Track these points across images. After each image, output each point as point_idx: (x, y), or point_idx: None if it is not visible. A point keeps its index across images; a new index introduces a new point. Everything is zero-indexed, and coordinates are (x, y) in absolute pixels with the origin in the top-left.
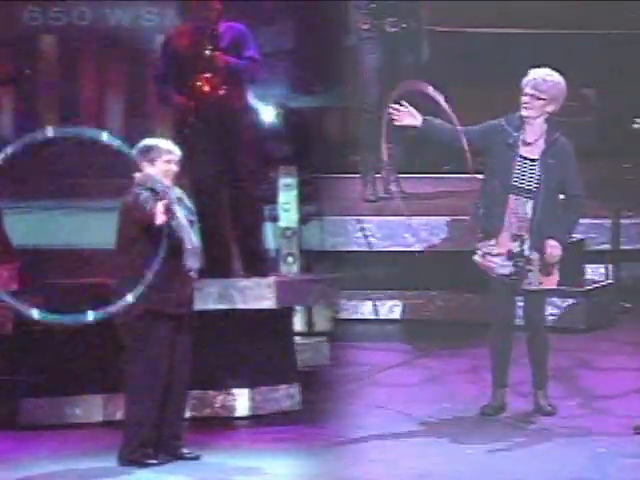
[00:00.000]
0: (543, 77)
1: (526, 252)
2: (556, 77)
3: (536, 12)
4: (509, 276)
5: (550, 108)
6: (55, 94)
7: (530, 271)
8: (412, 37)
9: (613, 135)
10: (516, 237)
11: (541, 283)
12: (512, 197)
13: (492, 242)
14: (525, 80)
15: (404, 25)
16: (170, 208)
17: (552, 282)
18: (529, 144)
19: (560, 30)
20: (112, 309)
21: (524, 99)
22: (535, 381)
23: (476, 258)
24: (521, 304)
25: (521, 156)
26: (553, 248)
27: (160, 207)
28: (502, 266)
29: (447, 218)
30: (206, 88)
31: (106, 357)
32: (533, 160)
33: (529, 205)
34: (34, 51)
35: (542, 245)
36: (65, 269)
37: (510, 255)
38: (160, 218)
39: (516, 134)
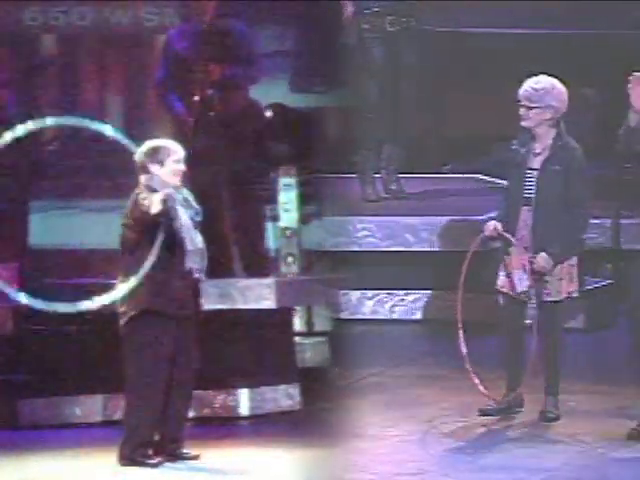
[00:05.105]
0: (532, 86)
1: None
2: (547, 84)
3: (536, 12)
4: (527, 292)
5: (548, 115)
6: (55, 94)
7: (547, 282)
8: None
9: (613, 135)
10: (528, 248)
11: (559, 292)
12: (524, 209)
13: (507, 259)
14: (519, 91)
15: (404, 25)
16: (168, 199)
17: (572, 287)
18: (538, 154)
19: (560, 30)
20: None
21: (520, 111)
22: (547, 386)
23: (500, 284)
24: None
25: (529, 167)
26: (540, 260)
27: (158, 197)
28: (520, 280)
29: (447, 218)
30: (206, 107)
31: (106, 357)
32: (536, 169)
33: (531, 214)
34: (34, 51)
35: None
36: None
37: (525, 268)
38: (156, 207)
39: (524, 149)
